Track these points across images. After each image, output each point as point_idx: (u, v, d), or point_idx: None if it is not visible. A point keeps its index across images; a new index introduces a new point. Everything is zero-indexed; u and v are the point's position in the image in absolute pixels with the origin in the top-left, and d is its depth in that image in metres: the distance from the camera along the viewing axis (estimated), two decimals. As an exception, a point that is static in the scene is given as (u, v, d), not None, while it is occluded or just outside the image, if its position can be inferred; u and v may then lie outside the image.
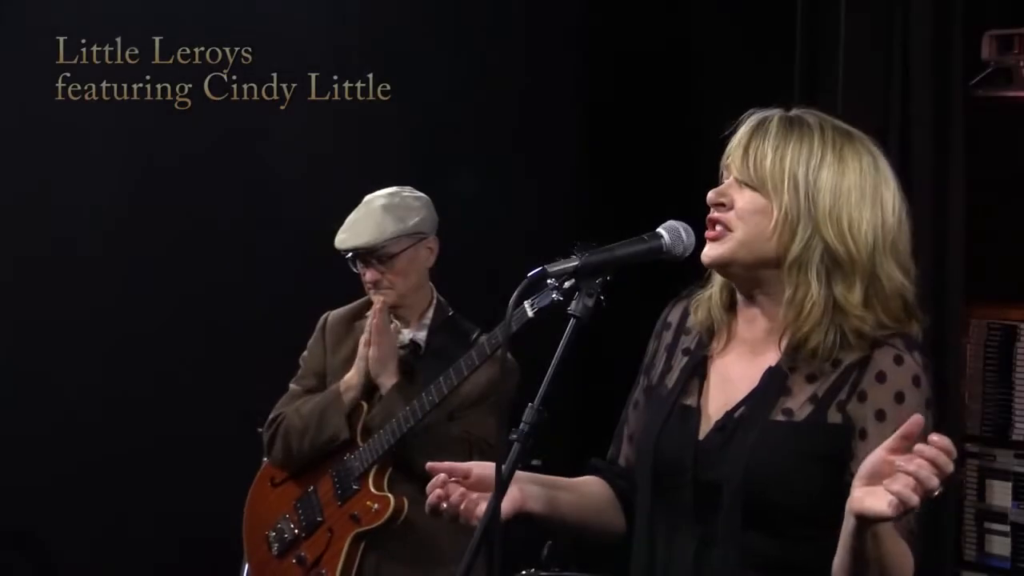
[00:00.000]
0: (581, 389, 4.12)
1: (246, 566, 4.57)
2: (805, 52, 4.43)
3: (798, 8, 4.42)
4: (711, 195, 2.42)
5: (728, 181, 2.42)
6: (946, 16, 4.24)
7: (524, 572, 4.21)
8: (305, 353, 4.29)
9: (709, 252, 2.42)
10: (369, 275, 4.04)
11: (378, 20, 5.53)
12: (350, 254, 4.07)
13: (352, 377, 4.06)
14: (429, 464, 2.41)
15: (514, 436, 2.34)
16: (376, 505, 3.99)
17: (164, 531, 5.27)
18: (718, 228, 2.41)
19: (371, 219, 4.03)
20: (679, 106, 5.27)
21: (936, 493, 2.06)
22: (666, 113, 5.27)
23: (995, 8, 4.40)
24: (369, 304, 4.20)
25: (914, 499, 2.04)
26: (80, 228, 5.36)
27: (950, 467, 2.05)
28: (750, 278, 2.43)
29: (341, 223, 5.36)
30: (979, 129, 4.28)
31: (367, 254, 4.02)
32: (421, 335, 4.10)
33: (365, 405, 4.05)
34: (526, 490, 2.46)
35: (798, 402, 2.37)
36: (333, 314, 4.27)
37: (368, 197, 4.13)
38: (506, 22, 5.60)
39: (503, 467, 2.29)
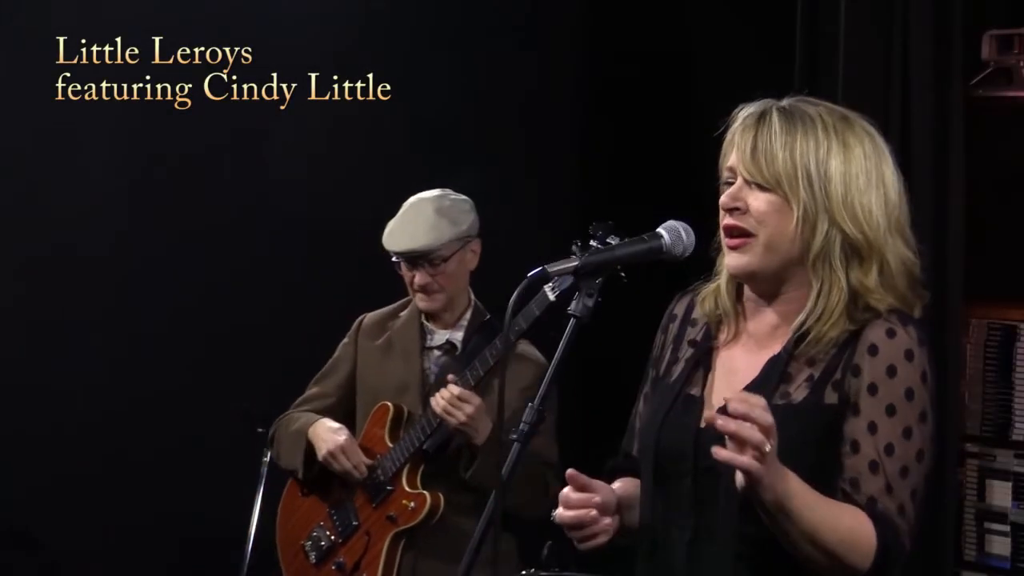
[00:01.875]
0: (582, 389, 4.13)
1: (246, 565, 4.57)
2: (805, 52, 4.43)
3: (798, 8, 4.42)
4: (725, 200, 2.41)
5: (738, 184, 2.40)
6: (946, 16, 4.23)
7: (524, 572, 4.21)
8: (336, 352, 4.24)
9: (735, 262, 2.41)
10: (419, 279, 3.98)
11: (378, 20, 5.53)
12: (397, 257, 4.01)
13: (328, 439, 4.03)
14: (570, 472, 2.40)
15: (514, 436, 2.35)
16: (412, 503, 3.96)
17: (164, 532, 5.27)
18: (737, 237, 2.40)
19: (425, 222, 3.97)
20: (679, 106, 5.27)
21: (768, 448, 2.14)
22: (666, 113, 5.27)
23: (995, 8, 4.40)
24: (404, 306, 4.17)
25: (741, 459, 2.14)
26: (80, 228, 5.36)
27: (767, 418, 2.13)
28: (773, 281, 2.43)
29: (341, 223, 5.38)
30: (979, 129, 4.28)
31: (419, 257, 3.97)
32: (458, 335, 4.06)
33: (391, 406, 4.03)
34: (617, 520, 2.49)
35: (796, 385, 2.38)
36: (369, 316, 4.23)
37: (414, 199, 4.06)
38: (507, 22, 5.59)
39: (503, 467, 2.31)
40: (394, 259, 4.02)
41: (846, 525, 2.28)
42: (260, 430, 4.60)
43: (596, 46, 5.69)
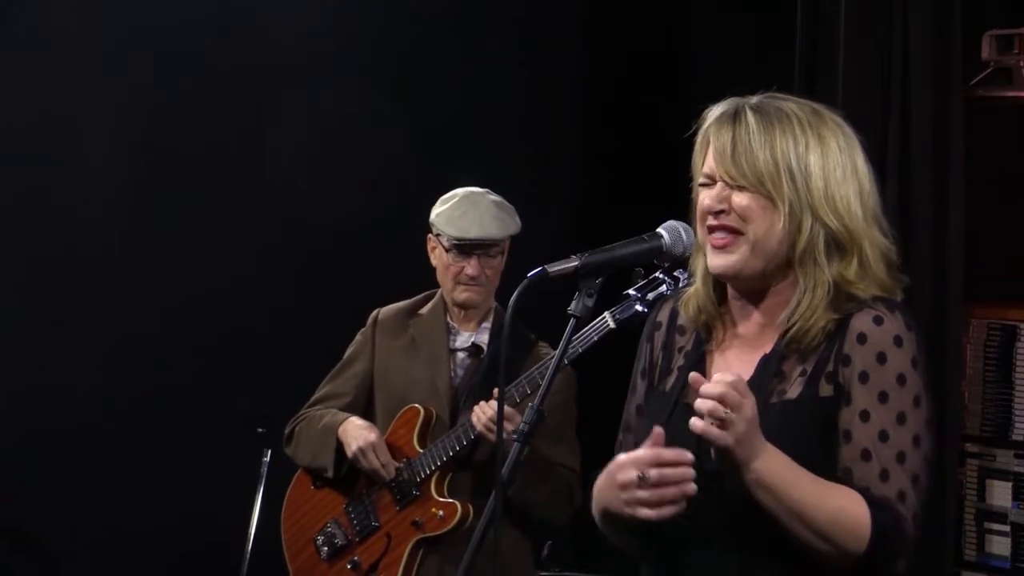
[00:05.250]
0: (583, 391, 4.13)
1: (246, 566, 4.55)
2: (805, 52, 4.43)
3: (798, 8, 4.43)
4: (710, 202, 2.40)
5: (719, 187, 2.39)
6: (946, 16, 4.24)
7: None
8: (351, 347, 4.21)
9: (719, 262, 2.40)
10: (471, 268, 3.97)
11: (377, 20, 5.53)
12: (459, 243, 3.97)
13: (359, 436, 4.00)
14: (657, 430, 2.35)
15: (514, 436, 2.35)
16: (442, 512, 3.94)
17: (164, 532, 5.26)
18: (725, 235, 2.39)
19: (489, 212, 3.98)
20: (679, 106, 5.26)
21: (724, 415, 2.23)
22: (665, 113, 5.27)
23: (995, 8, 4.41)
24: (422, 303, 4.15)
25: (708, 428, 2.24)
26: (80, 229, 5.35)
27: (719, 390, 2.24)
28: (758, 279, 2.42)
29: (341, 223, 5.38)
30: (979, 129, 4.28)
31: (485, 247, 3.97)
32: (483, 338, 4.05)
33: (422, 410, 4.00)
34: None
35: (791, 382, 2.39)
36: (384, 311, 4.20)
37: (464, 191, 4.05)
38: (506, 22, 5.60)
39: (503, 467, 2.31)
40: (449, 247, 3.99)
41: (835, 504, 2.29)
42: (260, 430, 4.60)
43: (595, 45, 5.69)
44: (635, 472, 2.30)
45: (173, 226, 5.39)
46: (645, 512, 2.30)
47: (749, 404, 2.25)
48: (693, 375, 2.30)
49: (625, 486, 2.31)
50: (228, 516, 4.78)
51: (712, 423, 2.24)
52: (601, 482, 2.44)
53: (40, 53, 5.24)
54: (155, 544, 5.27)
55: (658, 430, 2.33)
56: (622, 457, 2.35)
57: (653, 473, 2.29)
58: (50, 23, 5.25)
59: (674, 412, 2.46)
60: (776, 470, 2.27)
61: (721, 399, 2.23)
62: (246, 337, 5.35)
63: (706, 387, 2.25)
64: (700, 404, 2.25)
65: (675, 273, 3.37)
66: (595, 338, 3.57)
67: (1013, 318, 4.30)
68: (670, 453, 2.31)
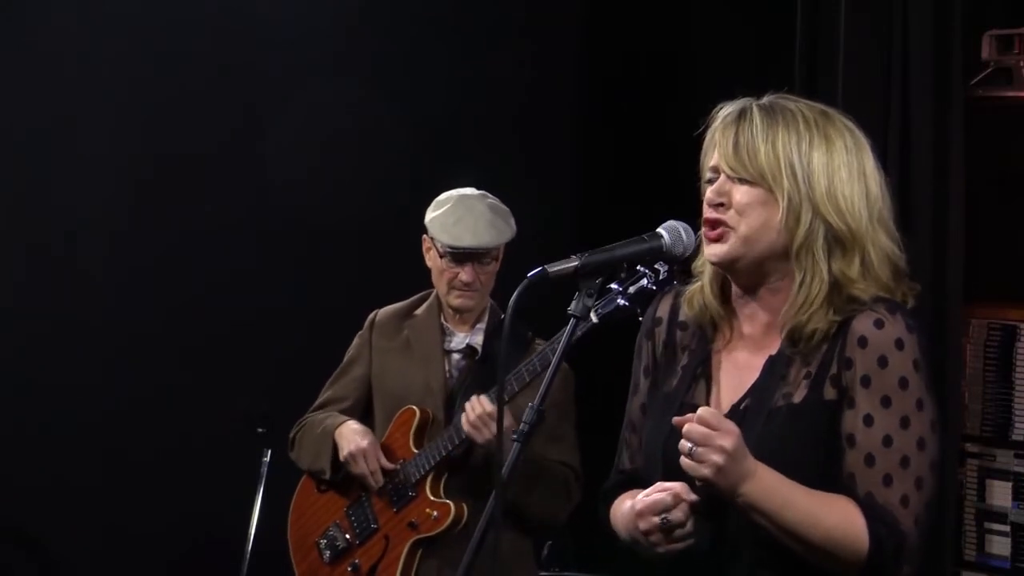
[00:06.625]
0: (583, 392, 4.13)
1: (246, 565, 4.55)
2: (805, 53, 4.43)
3: (798, 9, 4.42)
4: (711, 195, 2.42)
5: (722, 179, 2.41)
6: (946, 16, 4.23)
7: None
8: (350, 351, 4.22)
9: (713, 251, 2.42)
10: (466, 275, 3.96)
11: (378, 20, 5.53)
12: (452, 251, 3.97)
13: (350, 441, 4.01)
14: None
15: (514, 436, 2.35)
16: (436, 512, 3.94)
17: (164, 532, 5.27)
18: (719, 228, 2.40)
19: (483, 219, 3.96)
20: (679, 106, 5.26)
21: (688, 449, 2.29)
22: (666, 113, 5.27)
23: (995, 8, 4.40)
24: (418, 304, 4.16)
25: (691, 464, 2.28)
26: (80, 229, 5.35)
27: (702, 438, 2.27)
28: (755, 272, 2.43)
29: (341, 223, 5.38)
30: (979, 129, 4.28)
31: (478, 255, 3.96)
32: (478, 339, 4.05)
33: (418, 411, 4.01)
34: None
35: (796, 384, 2.39)
36: (382, 313, 4.20)
37: (458, 195, 4.03)
38: (506, 22, 5.60)
39: (503, 468, 2.31)
40: (443, 254, 3.98)
41: (831, 522, 2.30)
42: (260, 430, 4.60)
43: (596, 46, 5.69)
44: (656, 519, 2.34)
45: (173, 226, 5.39)
46: (679, 547, 2.35)
47: (725, 436, 2.27)
48: (676, 420, 2.33)
49: (650, 532, 2.35)
50: (228, 516, 4.78)
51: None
52: (625, 516, 2.46)
53: (40, 53, 5.24)
54: (155, 544, 5.27)
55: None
56: (640, 505, 2.37)
57: (677, 515, 2.33)
58: (50, 23, 5.25)
59: (679, 414, 2.45)
60: (766, 493, 2.29)
61: (686, 435, 2.28)
62: (246, 337, 5.34)
63: (686, 426, 2.30)
64: (683, 449, 2.30)
65: (656, 265, 3.35)
66: (578, 334, 3.56)
67: (1013, 318, 4.30)
68: (678, 487, 2.34)
